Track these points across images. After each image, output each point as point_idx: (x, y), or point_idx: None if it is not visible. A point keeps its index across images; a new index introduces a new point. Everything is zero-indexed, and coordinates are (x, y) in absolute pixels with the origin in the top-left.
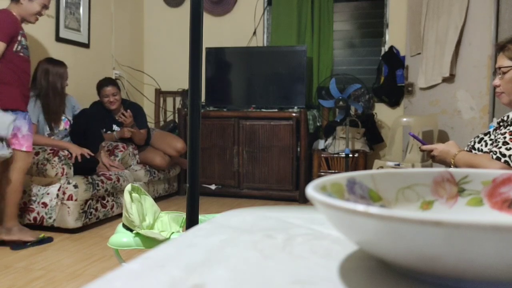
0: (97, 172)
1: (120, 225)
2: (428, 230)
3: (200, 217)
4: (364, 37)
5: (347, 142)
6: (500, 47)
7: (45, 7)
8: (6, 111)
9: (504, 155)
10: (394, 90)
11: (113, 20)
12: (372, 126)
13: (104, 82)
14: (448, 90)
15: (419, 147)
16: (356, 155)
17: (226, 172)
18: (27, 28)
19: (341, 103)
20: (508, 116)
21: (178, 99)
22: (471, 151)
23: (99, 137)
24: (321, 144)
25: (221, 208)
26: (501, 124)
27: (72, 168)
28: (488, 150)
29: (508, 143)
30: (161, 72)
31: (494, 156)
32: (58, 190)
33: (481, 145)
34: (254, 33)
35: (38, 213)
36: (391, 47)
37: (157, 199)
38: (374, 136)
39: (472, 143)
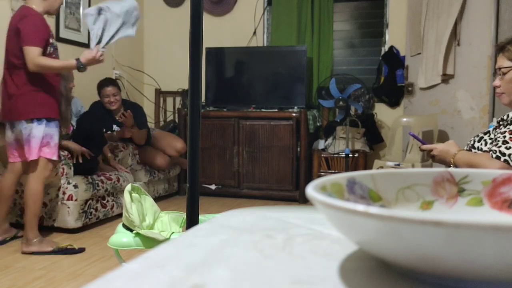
0: (98, 173)
1: (120, 225)
2: (428, 230)
3: (200, 217)
4: (364, 37)
5: (347, 142)
6: (500, 48)
7: None
8: (40, 120)
9: (504, 154)
10: (394, 90)
11: None
12: (372, 126)
13: (104, 82)
14: (448, 90)
15: (419, 147)
16: (356, 155)
17: (226, 172)
18: None
19: (341, 103)
20: (508, 115)
21: (178, 99)
22: (470, 150)
23: (102, 141)
24: (321, 144)
25: (221, 208)
26: (501, 123)
27: (72, 168)
28: (487, 149)
29: (508, 142)
30: (161, 72)
31: (494, 155)
32: (58, 190)
33: (481, 144)
34: (254, 33)
35: None
36: (391, 47)
37: (157, 199)
38: (374, 136)
39: (472, 142)
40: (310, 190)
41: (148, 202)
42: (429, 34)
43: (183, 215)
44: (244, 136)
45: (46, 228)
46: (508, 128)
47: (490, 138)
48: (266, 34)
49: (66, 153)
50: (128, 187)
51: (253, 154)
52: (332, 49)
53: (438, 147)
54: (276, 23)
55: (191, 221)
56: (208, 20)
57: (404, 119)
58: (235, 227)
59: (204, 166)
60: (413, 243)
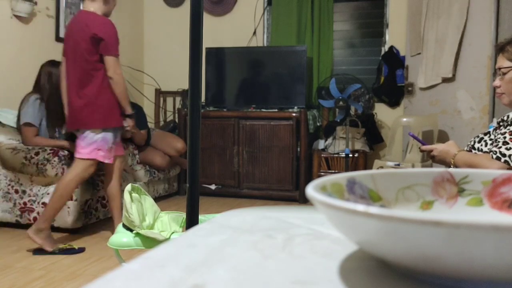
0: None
1: (120, 225)
2: (428, 230)
3: (200, 217)
4: (364, 37)
5: (347, 142)
6: (500, 48)
7: None
8: (106, 130)
9: (504, 155)
10: (394, 90)
11: (112, 20)
12: (372, 126)
13: None
14: (448, 90)
15: (419, 148)
16: (356, 155)
17: (226, 172)
18: (26, 28)
19: (341, 103)
20: (508, 116)
21: (178, 99)
22: (471, 151)
23: None
24: (321, 144)
25: (221, 208)
26: (501, 124)
27: None
28: (488, 150)
29: (508, 143)
30: (161, 72)
31: (494, 156)
32: None
33: (481, 145)
34: (254, 33)
35: (38, 213)
36: (391, 47)
37: (157, 199)
38: (374, 136)
39: (472, 143)
40: (310, 190)
41: (148, 202)
42: (429, 34)
43: (183, 215)
44: (244, 136)
45: None
46: (508, 129)
47: (490, 139)
48: (266, 34)
49: (66, 153)
50: (128, 187)
51: (253, 154)
52: (332, 49)
53: (438, 148)
54: (276, 23)
55: (191, 221)
56: (208, 20)
57: (404, 119)
58: (235, 227)
59: (204, 166)
60: (413, 243)
